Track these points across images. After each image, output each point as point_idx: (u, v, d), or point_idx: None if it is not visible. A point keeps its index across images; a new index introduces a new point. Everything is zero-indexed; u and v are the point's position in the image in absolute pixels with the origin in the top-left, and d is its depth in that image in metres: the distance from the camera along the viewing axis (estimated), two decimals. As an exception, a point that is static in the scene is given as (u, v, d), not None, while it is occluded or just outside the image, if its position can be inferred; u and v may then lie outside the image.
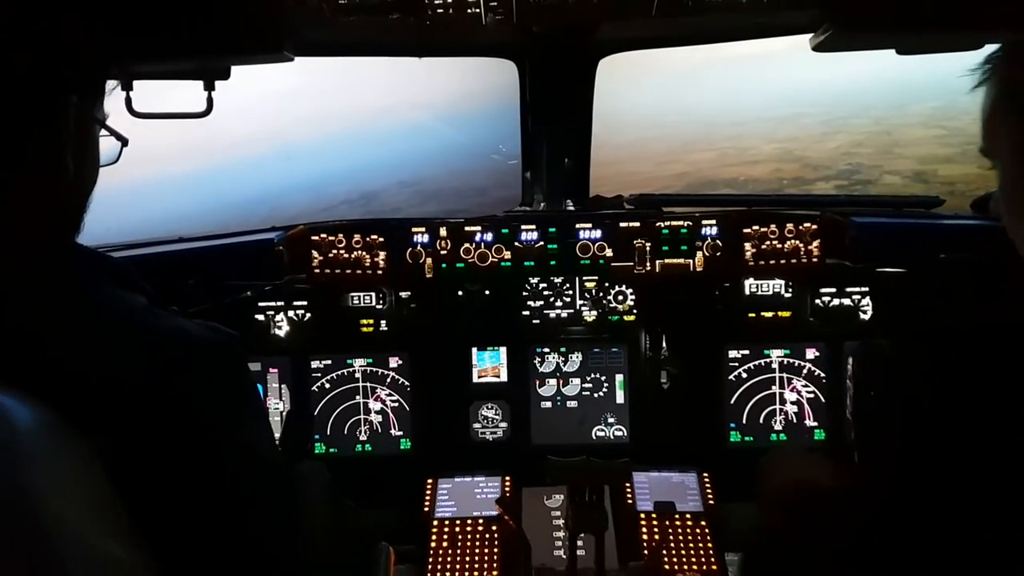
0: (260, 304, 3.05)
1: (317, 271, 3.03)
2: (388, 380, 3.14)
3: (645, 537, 2.59)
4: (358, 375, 3.13)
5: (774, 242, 3.00)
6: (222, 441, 1.22)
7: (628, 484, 2.74)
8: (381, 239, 3.03)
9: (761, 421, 3.09)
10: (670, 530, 2.62)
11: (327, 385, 3.12)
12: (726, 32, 2.90)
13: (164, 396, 1.16)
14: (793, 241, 2.99)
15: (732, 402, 3.10)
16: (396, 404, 3.13)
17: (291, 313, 3.08)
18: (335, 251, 3.02)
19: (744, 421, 3.10)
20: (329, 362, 3.13)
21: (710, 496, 2.75)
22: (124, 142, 1.52)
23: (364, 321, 3.12)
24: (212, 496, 1.18)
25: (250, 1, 2.16)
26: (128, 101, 2.23)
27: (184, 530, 1.15)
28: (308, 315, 3.08)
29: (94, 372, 1.13)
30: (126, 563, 1.09)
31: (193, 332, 1.26)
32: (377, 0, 2.22)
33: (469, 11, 2.34)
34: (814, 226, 2.99)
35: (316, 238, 3.02)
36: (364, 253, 3.02)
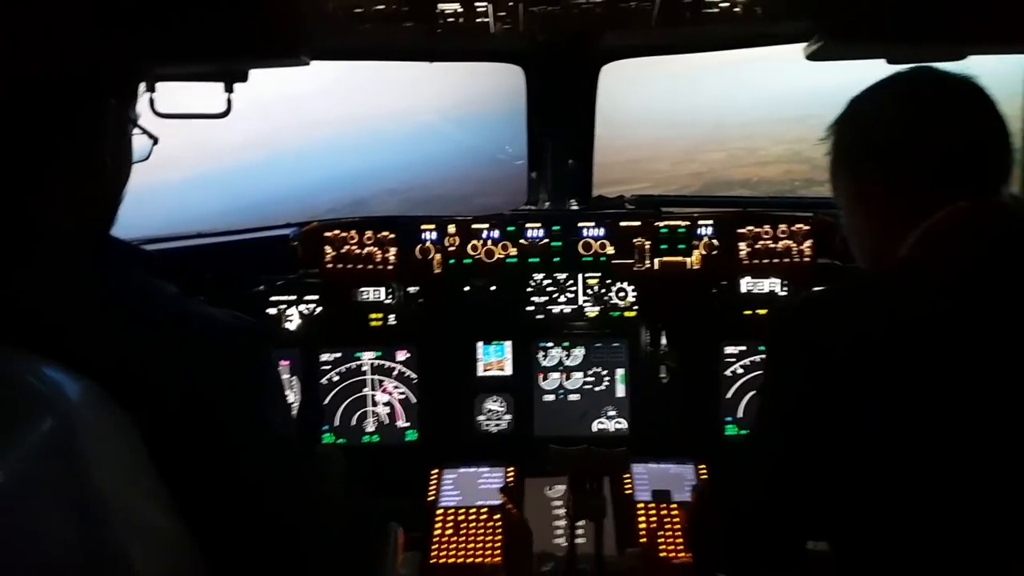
0: (272, 298, 3.15)
1: (330, 266, 3.14)
2: (395, 373, 3.23)
3: (642, 525, 2.68)
4: (366, 368, 3.24)
5: (767, 242, 3.10)
6: (245, 417, 1.33)
7: (627, 474, 2.84)
8: (392, 235, 3.14)
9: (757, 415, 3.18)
10: (666, 519, 2.71)
11: (336, 377, 3.22)
12: (724, 41, 3.00)
13: (193, 375, 1.27)
14: (786, 241, 3.09)
15: (728, 396, 3.19)
16: (403, 396, 3.23)
17: (302, 307, 3.18)
18: (347, 247, 3.13)
19: (740, 415, 3.19)
20: (339, 355, 3.22)
21: (706, 487, 2.85)
22: (155, 140, 1.64)
23: (373, 315, 3.22)
24: (234, 468, 1.30)
25: (269, 8, 2.28)
26: (151, 102, 2.35)
27: (211, 499, 1.26)
28: (319, 309, 3.19)
29: (131, 351, 1.24)
30: (166, 528, 1.20)
31: (220, 318, 1.38)
32: (391, 9, 2.34)
33: (478, 20, 2.46)
34: (806, 227, 3.10)
35: (329, 234, 3.13)
36: (375, 249, 3.13)
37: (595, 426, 3.20)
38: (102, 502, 1.05)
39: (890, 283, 1.52)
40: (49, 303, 1.23)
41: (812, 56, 2.71)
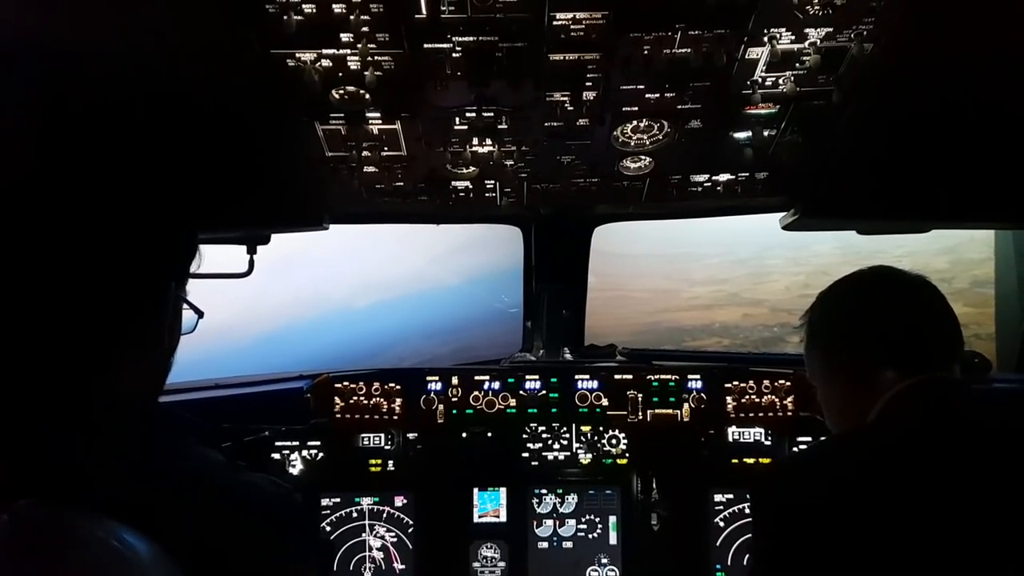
0: (277, 444, 3.25)
1: (339, 416, 3.25)
2: (393, 518, 3.28)
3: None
4: (363, 512, 3.28)
5: (752, 396, 3.28)
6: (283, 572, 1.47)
7: (621, 625, 2.88)
8: (398, 387, 3.27)
9: (746, 563, 3.24)
10: None
11: (331, 524, 3.25)
12: (706, 211, 3.28)
13: (242, 537, 1.42)
14: (770, 396, 3.27)
15: (718, 544, 3.27)
16: (397, 540, 3.26)
17: (305, 452, 3.27)
18: (356, 397, 3.25)
19: (729, 563, 3.26)
20: (338, 500, 3.28)
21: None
22: (200, 315, 1.81)
23: (372, 461, 3.31)
24: None
25: (301, 187, 2.52)
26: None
27: None
28: (321, 454, 3.28)
29: (187, 516, 1.37)
30: None
31: (262, 487, 1.54)
32: (409, 186, 2.59)
33: (487, 194, 2.71)
34: (788, 383, 3.28)
35: (339, 386, 3.26)
36: (382, 400, 3.26)
37: (589, 574, 3.25)
38: None
39: (859, 439, 1.88)
40: (115, 470, 1.37)
41: (787, 227, 3.00)
